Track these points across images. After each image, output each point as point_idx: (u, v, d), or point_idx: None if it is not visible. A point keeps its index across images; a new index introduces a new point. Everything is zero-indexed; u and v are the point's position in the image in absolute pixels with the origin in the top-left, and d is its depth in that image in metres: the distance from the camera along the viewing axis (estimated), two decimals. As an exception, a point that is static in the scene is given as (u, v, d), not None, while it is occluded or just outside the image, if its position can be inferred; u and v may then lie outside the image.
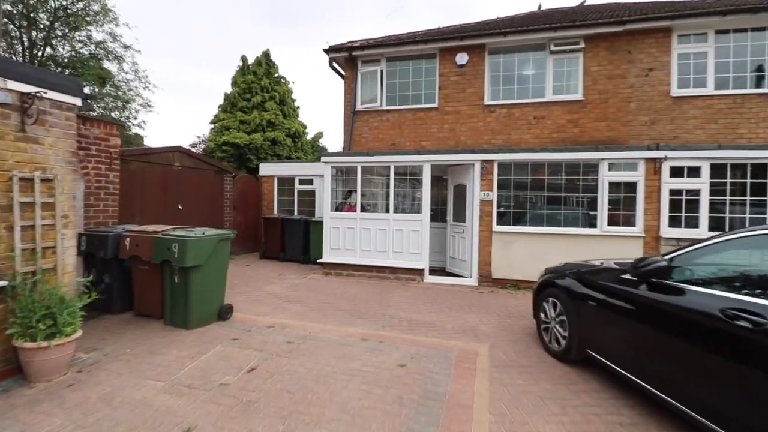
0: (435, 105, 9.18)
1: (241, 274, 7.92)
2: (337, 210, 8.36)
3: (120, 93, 15.80)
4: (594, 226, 6.91)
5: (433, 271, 8.01)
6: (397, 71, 9.48)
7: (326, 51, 9.47)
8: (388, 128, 9.47)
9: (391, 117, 9.46)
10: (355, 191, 8.03)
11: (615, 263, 3.55)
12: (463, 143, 8.96)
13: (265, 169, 11.08)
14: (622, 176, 6.82)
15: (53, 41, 13.88)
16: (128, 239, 4.89)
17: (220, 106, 20.06)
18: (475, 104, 8.95)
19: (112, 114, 16.30)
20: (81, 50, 14.26)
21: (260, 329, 4.65)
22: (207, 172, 8.97)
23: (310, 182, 10.68)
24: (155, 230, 4.85)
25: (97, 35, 14.89)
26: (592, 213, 6.96)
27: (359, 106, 9.67)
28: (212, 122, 20.16)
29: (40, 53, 13.82)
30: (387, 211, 7.82)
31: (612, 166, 6.86)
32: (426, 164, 7.56)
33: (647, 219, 6.62)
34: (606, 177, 6.85)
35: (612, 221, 6.85)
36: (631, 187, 6.77)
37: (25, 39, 13.49)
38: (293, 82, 19.94)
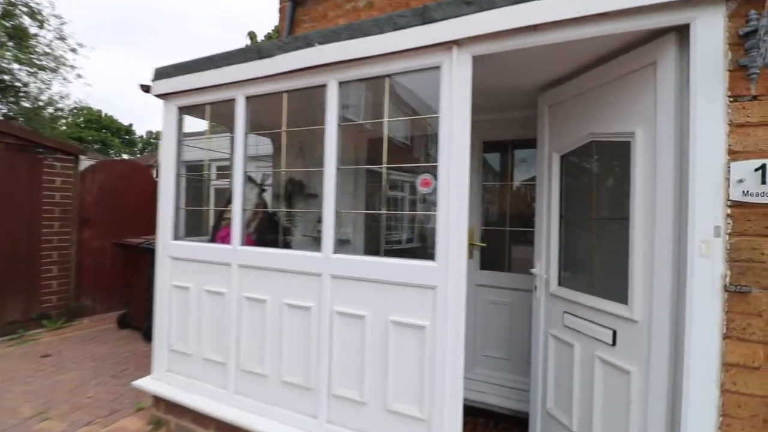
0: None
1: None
2: (213, 236, 3.04)
3: (42, 61, 11.82)
4: None
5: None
6: None
7: None
8: None
9: None
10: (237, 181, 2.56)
11: None
12: None
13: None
14: None
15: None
16: None
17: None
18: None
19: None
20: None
21: None
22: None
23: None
24: None
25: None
26: None
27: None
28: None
29: None
30: (315, 246, 2.14)
31: None
32: (455, 57, 1.88)
33: None
34: None
35: None
36: None
37: None
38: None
